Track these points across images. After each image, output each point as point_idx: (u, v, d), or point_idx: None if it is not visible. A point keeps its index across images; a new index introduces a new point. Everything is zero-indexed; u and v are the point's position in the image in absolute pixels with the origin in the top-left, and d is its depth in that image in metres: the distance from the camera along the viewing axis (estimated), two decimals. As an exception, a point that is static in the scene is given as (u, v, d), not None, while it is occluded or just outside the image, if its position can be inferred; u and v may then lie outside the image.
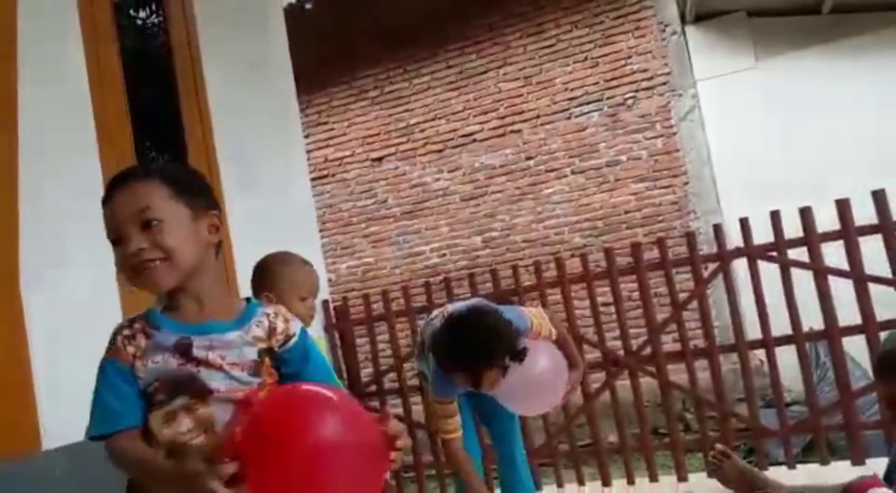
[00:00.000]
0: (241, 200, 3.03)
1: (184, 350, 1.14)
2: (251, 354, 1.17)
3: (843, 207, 3.12)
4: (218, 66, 3.14)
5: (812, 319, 3.29)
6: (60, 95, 2.32)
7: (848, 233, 3.10)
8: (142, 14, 3.34)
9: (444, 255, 6.70)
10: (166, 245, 1.12)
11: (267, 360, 1.18)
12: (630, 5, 6.10)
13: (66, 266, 2.18)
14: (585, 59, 6.22)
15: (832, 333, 3.17)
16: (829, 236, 3.14)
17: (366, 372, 3.93)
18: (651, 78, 6.08)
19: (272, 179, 3.30)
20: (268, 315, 1.21)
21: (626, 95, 6.12)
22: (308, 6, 6.29)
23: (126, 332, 1.17)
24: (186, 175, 1.24)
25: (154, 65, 3.22)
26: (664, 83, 6.04)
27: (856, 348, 3.41)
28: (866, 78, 5.44)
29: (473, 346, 2.08)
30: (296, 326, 1.23)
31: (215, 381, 1.14)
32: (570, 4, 6.24)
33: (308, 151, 5.58)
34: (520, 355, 2.16)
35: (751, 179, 5.57)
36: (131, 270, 1.14)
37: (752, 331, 3.35)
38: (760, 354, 3.55)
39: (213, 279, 1.21)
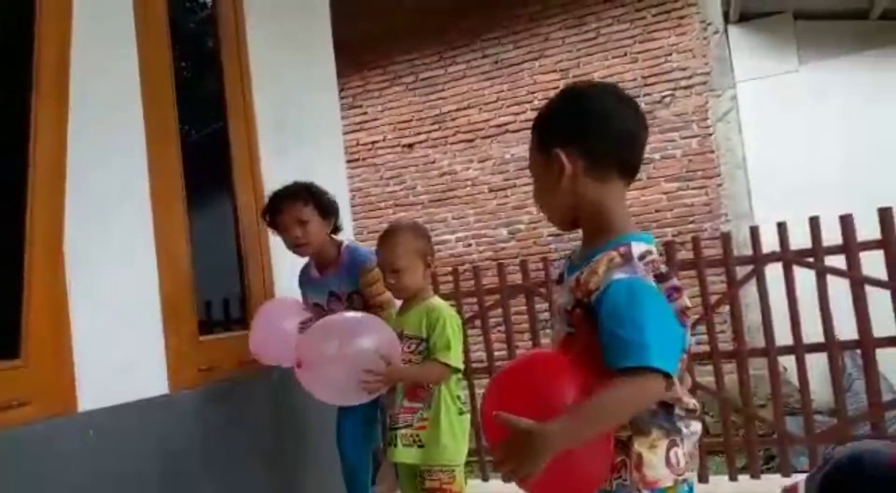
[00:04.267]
0: (279, 183, 3.04)
1: None
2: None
3: (885, 215, 3.07)
4: (262, 44, 3.15)
5: (840, 327, 3.25)
6: (109, 70, 2.35)
7: (889, 242, 3.05)
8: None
9: (470, 245, 6.71)
10: None
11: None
12: (673, 2, 6.03)
13: (107, 232, 2.21)
14: (625, 54, 6.17)
15: (866, 343, 3.12)
16: (870, 245, 3.09)
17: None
18: (690, 77, 6.01)
19: (309, 161, 3.31)
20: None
21: (664, 93, 6.06)
22: (349, -12, 6.28)
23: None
24: None
25: (200, 42, 3.24)
26: (703, 83, 5.98)
27: (886, 361, 3.35)
28: (912, 86, 5.34)
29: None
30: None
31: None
32: (613, -2, 6.19)
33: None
34: (328, 208, 2.55)
35: (786, 184, 5.49)
36: None
37: (779, 338, 3.30)
38: (784, 360, 3.50)
39: None
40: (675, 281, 1.17)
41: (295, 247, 2.56)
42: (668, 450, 1.17)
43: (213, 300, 2.87)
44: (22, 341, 1.95)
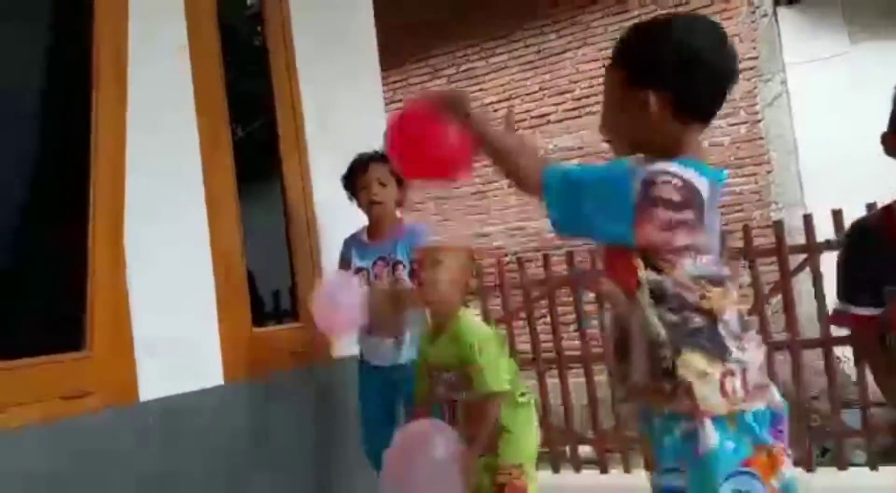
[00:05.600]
0: (325, 177, 3.08)
1: None
2: None
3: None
4: (307, 40, 3.20)
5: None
6: (165, 68, 2.41)
7: (951, 229, 2.94)
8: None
9: (513, 235, 6.68)
10: None
11: None
12: (719, -15, 5.89)
13: (166, 225, 2.28)
14: (669, 40, 6.05)
15: (927, 333, 3.02)
16: (930, 232, 2.98)
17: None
18: (738, 61, 5.86)
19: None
20: None
21: (710, 79, 5.93)
22: (390, -18, 6.30)
23: None
24: None
25: (248, 39, 3.30)
26: (751, 68, 5.82)
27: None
28: (973, 66, 5.12)
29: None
30: None
31: None
32: (656, -17, 6.07)
33: (383, 127, 5.64)
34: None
35: (839, 170, 5.32)
36: None
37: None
38: (840, 350, 3.41)
39: None
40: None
41: (370, 205, 2.69)
42: (721, 380, 1.15)
43: (264, 293, 2.93)
44: (86, 333, 2.03)
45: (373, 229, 2.75)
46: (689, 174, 1.15)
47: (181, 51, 2.46)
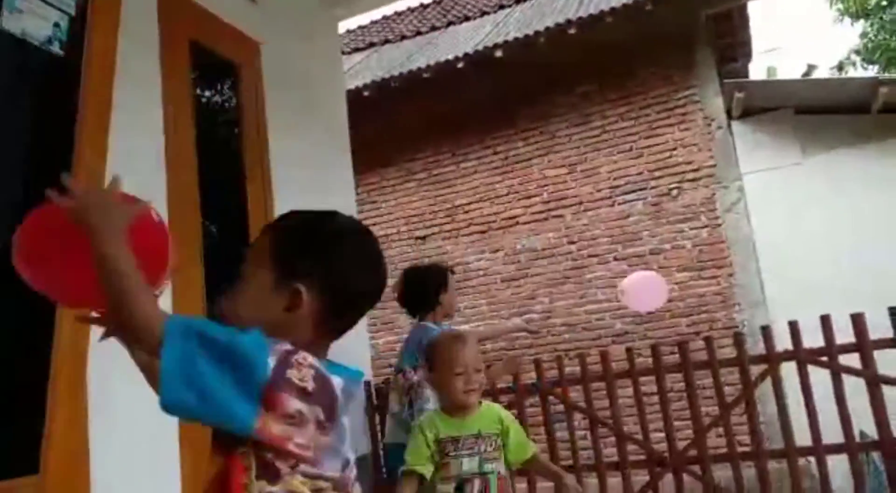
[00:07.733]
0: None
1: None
2: None
3: (895, 314, 3.09)
4: (284, 143, 3.33)
5: (864, 424, 3.21)
6: (139, 177, 2.47)
7: (902, 341, 3.05)
8: (217, 98, 3.55)
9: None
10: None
11: None
12: (676, 100, 6.25)
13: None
14: (630, 149, 6.35)
15: (886, 442, 3.07)
16: (882, 344, 3.10)
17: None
18: (696, 170, 6.15)
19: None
20: None
21: (671, 186, 6.20)
22: (366, 93, 6.59)
23: None
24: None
25: (224, 142, 3.38)
26: (710, 175, 6.11)
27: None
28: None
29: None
30: None
31: None
32: (617, 97, 6.43)
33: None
34: None
35: (796, 274, 5.52)
36: None
37: (797, 434, 3.27)
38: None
39: None
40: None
41: None
42: None
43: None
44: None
45: None
46: (323, 369, 1.01)
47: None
